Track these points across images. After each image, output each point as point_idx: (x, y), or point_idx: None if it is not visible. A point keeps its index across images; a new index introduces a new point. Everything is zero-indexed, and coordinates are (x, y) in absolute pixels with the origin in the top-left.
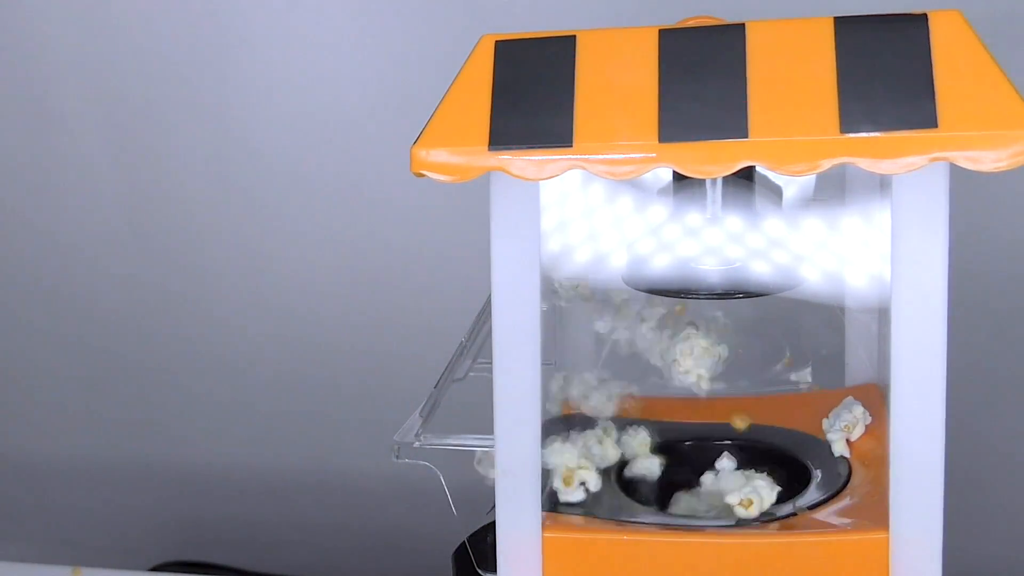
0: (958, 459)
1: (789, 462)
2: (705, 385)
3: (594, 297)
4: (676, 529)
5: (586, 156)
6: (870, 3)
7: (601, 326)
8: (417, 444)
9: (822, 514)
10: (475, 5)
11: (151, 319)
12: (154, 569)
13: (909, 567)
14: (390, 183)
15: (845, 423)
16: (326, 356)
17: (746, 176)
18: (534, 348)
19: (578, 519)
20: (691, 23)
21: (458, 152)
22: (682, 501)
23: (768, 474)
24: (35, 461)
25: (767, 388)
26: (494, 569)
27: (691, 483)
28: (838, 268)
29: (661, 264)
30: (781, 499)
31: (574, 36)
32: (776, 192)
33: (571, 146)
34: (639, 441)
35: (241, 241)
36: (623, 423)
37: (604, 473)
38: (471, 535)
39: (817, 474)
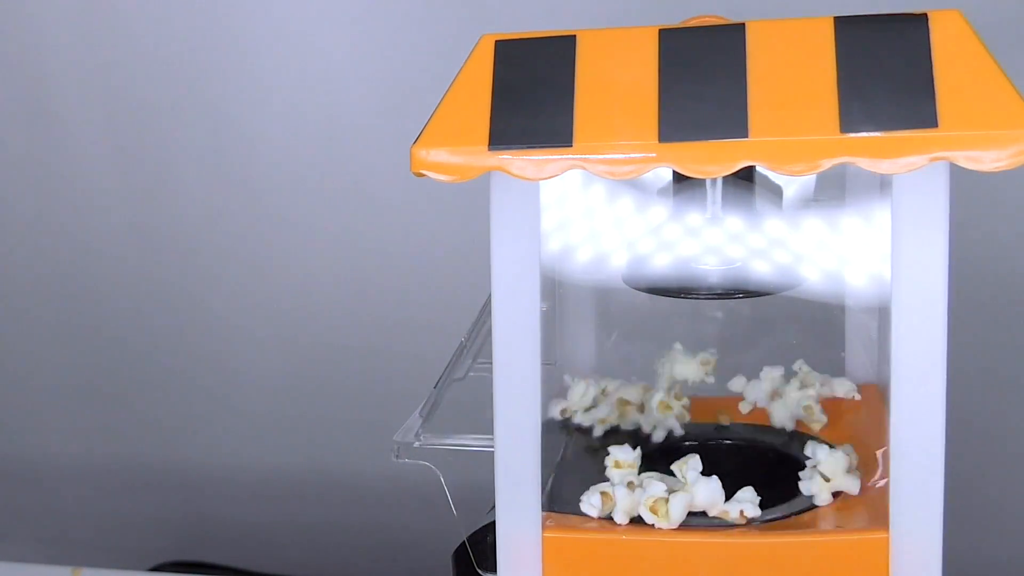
0: (958, 459)
1: (788, 462)
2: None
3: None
4: (676, 529)
5: (586, 156)
6: (870, 3)
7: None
8: (417, 444)
9: (822, 514)
10: (475, 5)
11: (151, 319)
12: (154, 569)
13: (909, 567)
14: (390, 183)
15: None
16: (326, 356)
17: (746, 176)
18: (534, 348)
19: (578, 519)
20: (692, 23)
21: (458, 152)
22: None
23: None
24: (35, 461)
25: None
26: (494, 569)
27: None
28: (838, 268)
29: (661, 264)
30: (777, 501)
31: (574, 36)
32: (776, 192)
33: (571, 146)
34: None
35: (241, 241)
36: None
37: (604, 472)
38: (471, 535)
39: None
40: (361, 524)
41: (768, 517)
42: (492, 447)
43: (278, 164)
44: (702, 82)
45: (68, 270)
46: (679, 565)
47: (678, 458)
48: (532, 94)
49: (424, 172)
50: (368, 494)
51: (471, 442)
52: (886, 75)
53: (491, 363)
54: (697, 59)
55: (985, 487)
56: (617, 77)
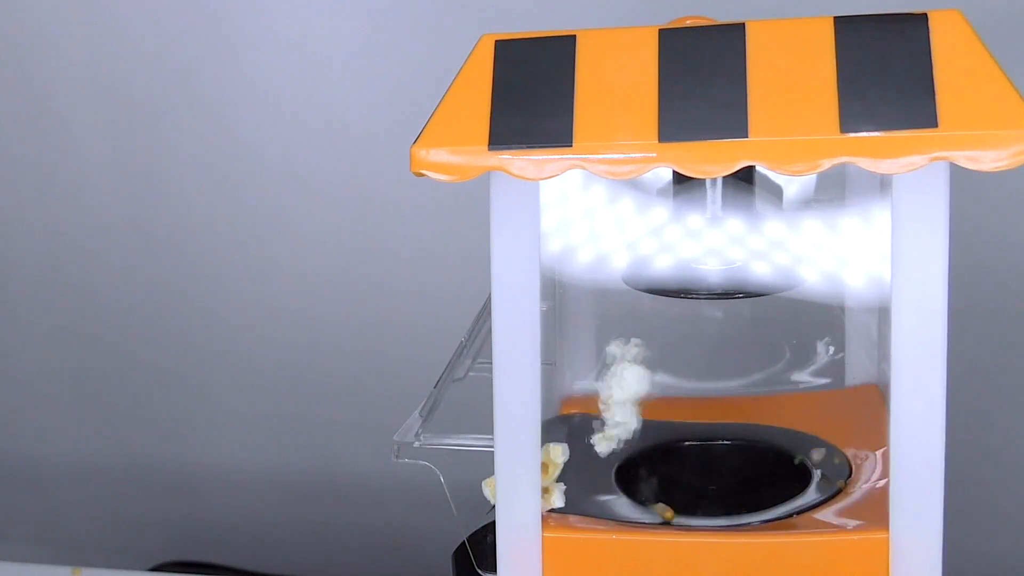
0: (958, 459)
1: (789, 462)
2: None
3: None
4: (676, 529)
5: (586, 156)
6: (870, 3)
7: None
8: (417, 444)
9: (822, 514)
10: (475, 5)
11: (151, 320)
12: (154, 569)
13: (909, 567)
14: (390, 183)
15: None
16: (326, 356)
17: (746, 176)
18: (534, 348)
19: (578, 519)
20: (687, 22)
21: (458, 152)
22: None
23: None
24: (35, 461)
25: (767, 388)
26: (494, 569)
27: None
28: (838, 268)
29: (661, 264)
30: (779, 501)
31: (574, 36)
32: (776, 192)
33: (571, 146)
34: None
35: (241, 241)
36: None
37: (603, 472)
38: (471, 535)
39: (817, 474)
40: (361, 524)
41: (768, 517)
42: (492, 447)
43: (277, 164)
44: (702, 82)
45: (68, 271)
46: (679, 565)
47: (678, 458)
48: (532, 94)
49: (424, 172)
50: (368, 494)
51: (471, 442)
52: (886, 75)
53: (491, 363)
54: (697, 59)
55: (985, 487)
56: (617, 77)
